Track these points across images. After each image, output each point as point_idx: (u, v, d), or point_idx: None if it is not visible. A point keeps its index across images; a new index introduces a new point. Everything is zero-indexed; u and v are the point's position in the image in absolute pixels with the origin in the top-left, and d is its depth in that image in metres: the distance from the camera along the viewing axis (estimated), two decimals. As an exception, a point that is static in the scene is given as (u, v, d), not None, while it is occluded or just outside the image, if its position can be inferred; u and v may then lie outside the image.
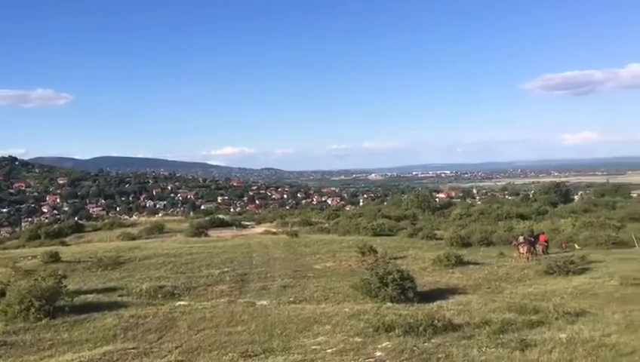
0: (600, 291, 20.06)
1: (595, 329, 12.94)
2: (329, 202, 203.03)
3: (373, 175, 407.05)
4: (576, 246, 33.82)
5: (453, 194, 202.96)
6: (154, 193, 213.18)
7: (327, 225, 57.15)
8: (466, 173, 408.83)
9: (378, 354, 11.49)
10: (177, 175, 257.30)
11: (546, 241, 32.63)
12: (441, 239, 39.81)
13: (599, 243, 35.06)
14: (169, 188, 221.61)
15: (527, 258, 28.55)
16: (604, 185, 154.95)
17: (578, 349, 11.12)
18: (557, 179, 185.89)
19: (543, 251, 31.14)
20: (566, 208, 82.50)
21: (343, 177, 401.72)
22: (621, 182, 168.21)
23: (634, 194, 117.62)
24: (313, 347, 12.37)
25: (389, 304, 17.43)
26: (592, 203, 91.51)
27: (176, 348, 12.98)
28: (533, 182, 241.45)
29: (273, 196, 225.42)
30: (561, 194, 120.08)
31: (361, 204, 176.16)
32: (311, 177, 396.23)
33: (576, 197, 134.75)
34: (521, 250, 29.53)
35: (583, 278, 22.92)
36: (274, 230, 52.67)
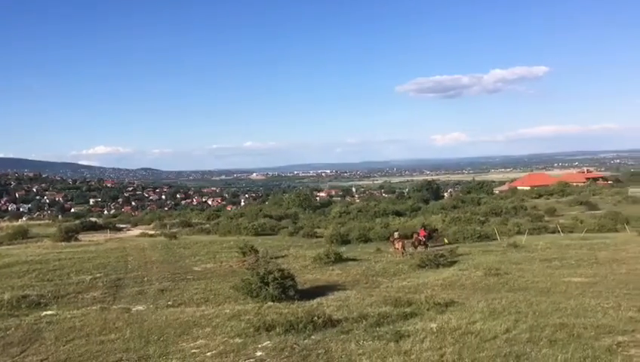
0: (467, 282, 21.45)
1: (462, 317, 13.78)
2: (210, 202, 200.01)
3: (254, 174, 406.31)
4: (445, 240, 35.98)
5: (333, 192, 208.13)
6: (17, 196, 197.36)
7: (207, 225, 56.17)
8: (346, 173, 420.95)
9: (259, 353, 11.43)
10: (44, 176, 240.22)
11: (426, 236, 34.48)
12: (322, 237, 40.57)
13: (466, 237, 37.63)
14: (34, 190, 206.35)
15: (402, 253, 29.90)
16: (471, 183, 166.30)
17: (447, 337, 11.79)
18: (429, 178, 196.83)
19: (424, 245, 32.95)
20: (437, 205, 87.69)
21: (224, 177, 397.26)
22: (485, 180, 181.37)
23: (496, 191, 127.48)
24: (192, 351, 12.04)
25: (270, 303, 17.41)
26: (459, 199, 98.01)
27: (42, 361, 12.07)
28: (407, 181, 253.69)
29: (151, 197, 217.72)
30: (433, 191, 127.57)
31: (242, 203, 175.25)
32: (191, 177, 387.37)
33: (446, 194, 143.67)
34: (397, 246, 30.89)
35: (451, 270, 24.39)
36: (151, 232, 50.78)
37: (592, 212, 67.15)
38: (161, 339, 13.21)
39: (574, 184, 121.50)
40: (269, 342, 12.09)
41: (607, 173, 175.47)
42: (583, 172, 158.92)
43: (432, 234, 35.72)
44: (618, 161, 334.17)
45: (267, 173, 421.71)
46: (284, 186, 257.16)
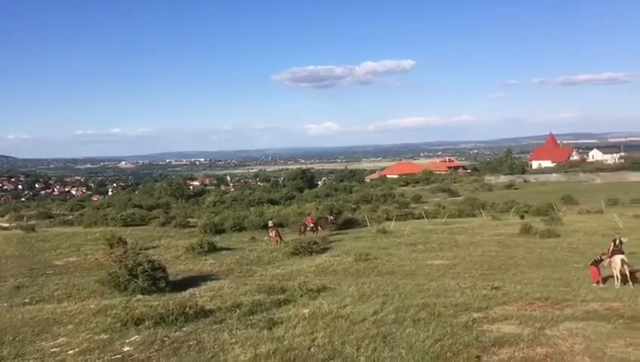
0: (338, 267, 22.12)
1: (334, 302, 14.18)
2: (73, 192, 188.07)
3: (123, 163, 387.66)
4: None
5: (207, 181, 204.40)
6: None
7: (70, 217, 52.75)
8: (221, 161, 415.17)
9: (126, 348, 10.94)
10: None
11: (314, 222, 35.26)
12: (195, 227, 39.74)
13: (340, 224, 38.81)
14: None
15: (277, 241, 30.12)
16: (343, 172, 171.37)
17: (319, 322, 12.06)
18: (303, 166, 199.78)
19: (312, 231, 34.05)
20: (311, 193, 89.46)
21: (89, 165, 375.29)
22: (357, 169, 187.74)
23: (367, 179, 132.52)
24: (52, 350, 11.25)
25: (140, 296, 16.75)
26: (333, 187, 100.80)
27: None
28: (282, 169, 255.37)
29: (5, 187, 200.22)
30: (307, 180, 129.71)
31: (110, 193, 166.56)
32: (52, 166, 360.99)
33: (319, 182, 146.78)
34: (271, 234, 31.05)
35: (324, 257, 25.02)
36: (5, 225, 46.71)
37: (453, 198, 72.23)
38: (16, 339, 12.20)
39: (438, 172, 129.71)
40: (137, 336, 11.62)
41: (467, 163, 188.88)
42: (446, 161, 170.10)
43: (320, 222, 36.70)
44: (476, 151, 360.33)
45: (137, 162, 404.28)
46: (156, 175, 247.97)
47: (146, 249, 28.86)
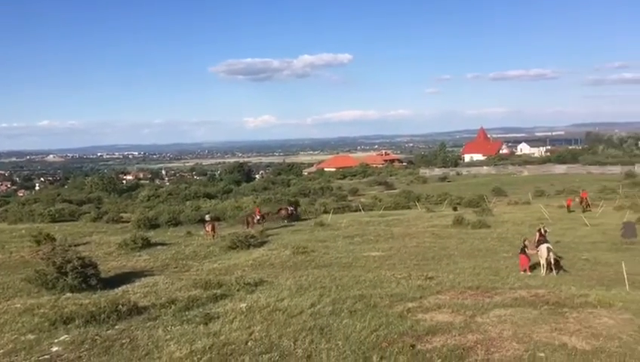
0: (276, 261, 22.08)
1: (271, 295, 14.15)
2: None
3: (51, 156, 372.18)
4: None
5: (141, 175, 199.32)
6: None
7: (-7, 213, 50.12)
8: (155, 155, 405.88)
9: (55, 349, 10.51)
10: None
11: (261, 215, 35.68)
12: (128, 222, 38.65)
13: (277, 218, 38.77)
14: None
15: (213, 235, 29.73)
16: (281, 165, 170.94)
17: (256, 316, 12.01)
18: (241, 160, 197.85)
19: (259, 223, 34.33)
20: (248, 186, 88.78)
21: (14, 159, 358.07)
22: (295, 162, 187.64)
23: (305, 173, 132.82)
24: (-26, 353, 10.68)
25: (69, 294, 16.12)
26: (270, 181, 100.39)
27: None
28: (219, 163, 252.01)
29: None
30: (244, 173, 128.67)
31: (37, 188, 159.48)
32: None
33: (257, 176, 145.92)
34: (207, 228, 30.63)
35: (262, 250, 24.91)
36: None
37: (389, 191, 73.50)
38: None
39: (374, 166, 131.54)
40: (67, 335, 11.20)
41: (402, 156, 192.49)
42: (382, 154, 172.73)
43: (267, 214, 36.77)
44: (411, 144, 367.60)
45: (66, 155, 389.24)
46: (87, 169, 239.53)
47: (76, 245, 27.77)
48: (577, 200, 41.45)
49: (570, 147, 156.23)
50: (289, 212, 38.75)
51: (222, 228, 33.67)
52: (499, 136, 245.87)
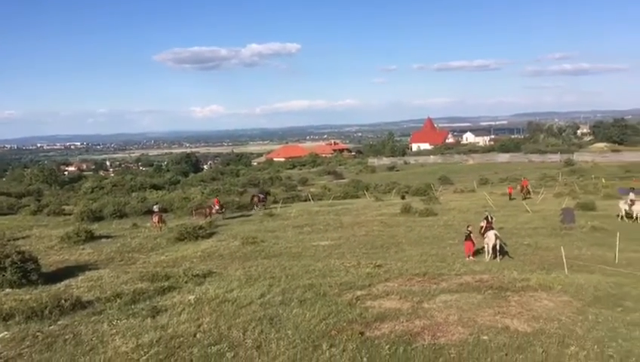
0: (225, 252, 21.86)
1: (220, 287, 14.01)
2: None
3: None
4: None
5: (84, 166, 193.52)
6: None
7: None
8: (99, 145, 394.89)
9: (-6, 347, 10.12)
10: None
11: (220, 205, 35.45)
12: (71, 214, 37.46)
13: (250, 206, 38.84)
14: None
15: (160, 227, 29.17)
16: (230, 155, 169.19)
17: (204, 307, 11.89)
18: (188, 150, 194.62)
19: (218, 213, 34.33)
20: (196, 177, 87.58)
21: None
22: (244, 152, 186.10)
23: (254, 163, 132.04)
24: None
25: (9, 290, 15.50)
26: (219, 171, 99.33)
27: None
28: (166, 153, 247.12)
29: None
30: (192, 164, 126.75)
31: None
32: None
33: (205, 166, 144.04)
34: (154, 220, 30.04)
35: (210, 242, 24.60)
36: None
37: (338, 180, 73.89)
38: None
39: (323, 155, 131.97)
40: (6, 332, 10.79)
41: (351, 146, 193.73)
42: (331, 144, 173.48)
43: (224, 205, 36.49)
44: (360, 134, 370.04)
45: (4, 146, 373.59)
46: (26, 160, 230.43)
47: (14, 239, 26.74)
48: (519, 187, 42.77)
49: (512, 136, 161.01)
50: (260, 199, 39.58)
51: (169, 219, 33.05)
52: (444, 125, 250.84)
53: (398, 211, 32.77)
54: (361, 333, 9.86)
